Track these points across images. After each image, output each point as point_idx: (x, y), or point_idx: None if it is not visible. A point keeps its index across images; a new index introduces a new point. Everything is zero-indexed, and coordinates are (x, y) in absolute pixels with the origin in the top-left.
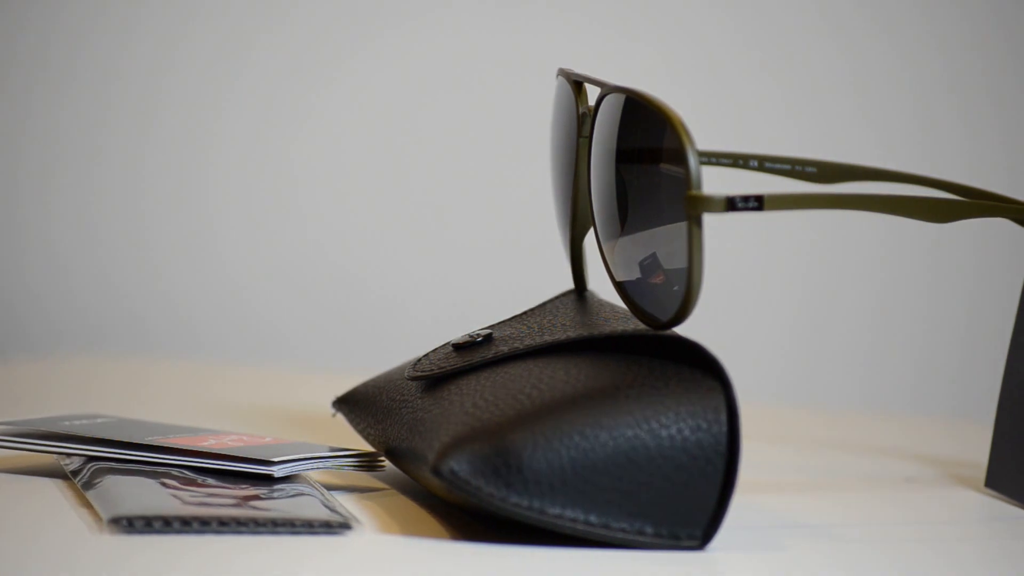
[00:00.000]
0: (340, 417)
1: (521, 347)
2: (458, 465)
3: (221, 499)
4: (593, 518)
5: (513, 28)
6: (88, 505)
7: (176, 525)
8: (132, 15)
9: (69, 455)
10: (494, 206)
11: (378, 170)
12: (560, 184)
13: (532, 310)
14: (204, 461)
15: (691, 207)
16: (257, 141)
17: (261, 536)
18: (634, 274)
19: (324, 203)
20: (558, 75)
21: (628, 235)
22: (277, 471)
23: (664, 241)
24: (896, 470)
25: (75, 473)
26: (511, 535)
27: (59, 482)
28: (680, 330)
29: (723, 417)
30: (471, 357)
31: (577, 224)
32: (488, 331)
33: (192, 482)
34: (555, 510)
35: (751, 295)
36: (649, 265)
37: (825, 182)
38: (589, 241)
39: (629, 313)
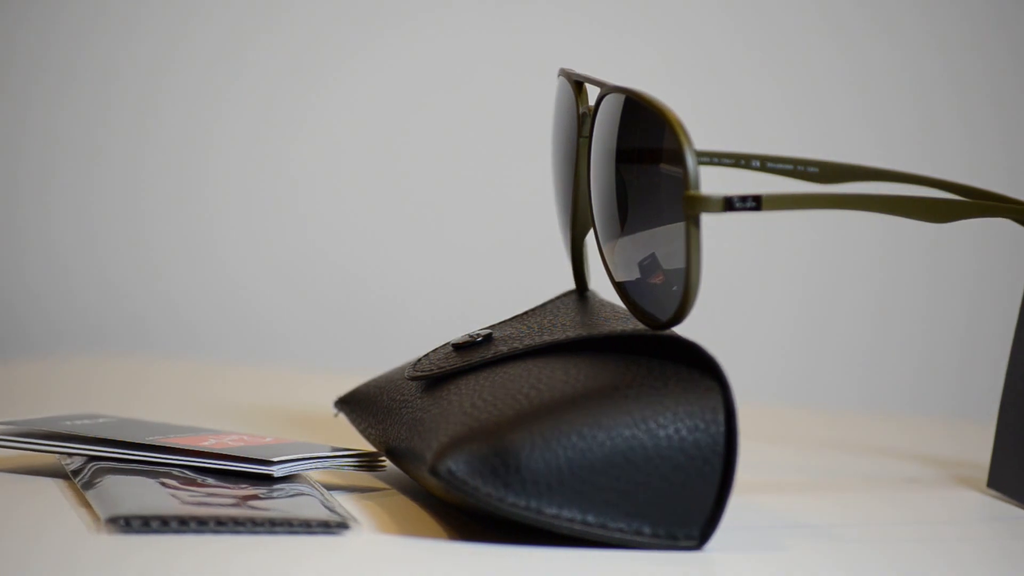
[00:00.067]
0: (342, 417)
1: (520, 347)
2: (456, 465)
3: (220, 499)
4: (591, 518)
5: (513, 28)
6: (88, 505)
7: (174, 525)
8: (132, 15)
9: (70, 455)
10: (494, 206)
11: (378, 170)
12: (561, 184)
13: (532, 310)
14: (204, 461)
15: (689, 207)
16: (257, 141)
17: (259, 536)
18: (633, 274)
19: (324, 203)
20: (559, 75)
21: (627, 235)
22: (277, 471)
23: (663, 241)
24: (896, 470)
25: (76, 473)
26: (509, 535)
27: (60, 482)
28: (680, 330)
29: (721, 417)
30: (470, 357)
31: (577, 224)
32: (488, 331)
33: (192, 482)
34: (552, 510)
35: (751, 295)
36: (648, 265)
37: (827, 182)
38: (590, 241)
39: (629, 313)
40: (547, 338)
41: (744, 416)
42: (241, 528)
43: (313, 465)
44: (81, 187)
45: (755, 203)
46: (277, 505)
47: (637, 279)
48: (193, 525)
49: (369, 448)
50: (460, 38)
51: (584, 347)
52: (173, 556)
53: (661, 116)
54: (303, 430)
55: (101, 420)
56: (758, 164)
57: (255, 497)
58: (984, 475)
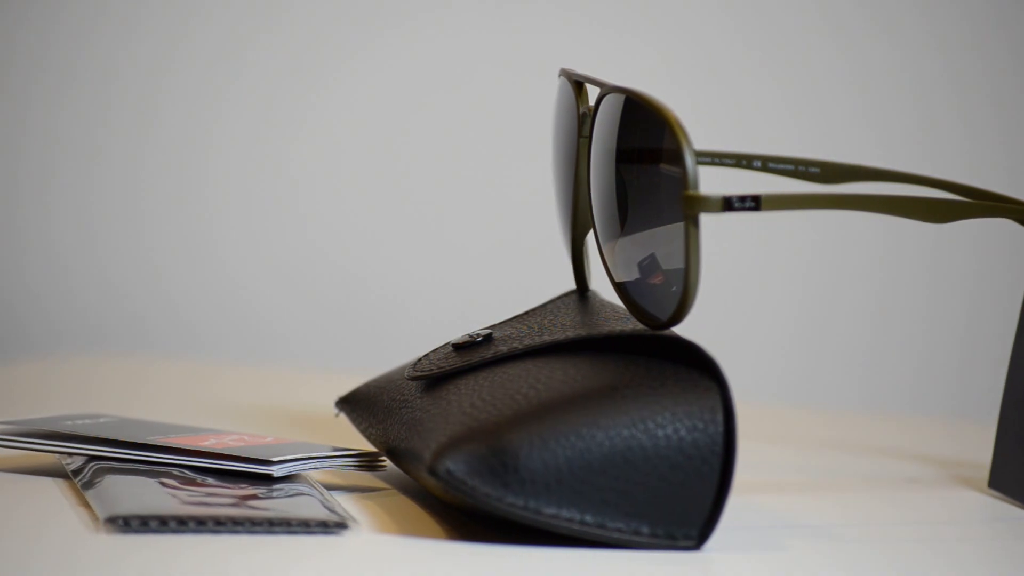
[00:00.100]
0: (342, 417)
1: (520, 347)
2: (454, 465)
3: (219, 499)
4: (589, 518)
5: (513, 28)
6: (87, 505)
7: (172, 524)
8: (132, 15)
9: (71, 455)
10: (494, 206)
11: (378, 170)
12: (561, 184)
13: (533, 310)
14: (204, 461)
15: (688, 207)
16: (257, 141)
17: (259, 536)
18: (633, 274)
19: (324, 203)
20: (559, 75)
21: (627, 235)
22: (276, 471)
23: (662, 241)
24: (896, 470)
25: (76, 472)
26: (508, 535)
27: (60, 481)
28: (680, 330)
29: (719, 417)
30: (470, 357)
31: (578, 224)
32: (488, 331)
33: (192, 482)
34: (551, 510)
35: (751, 295)
36: (648, 266)
37: (829, 182)
38: (591, 241)
39: (629, 314)
40: (547, 338)
41: (744, 416)
42: (239, 528)
43: (313, 465)
44: (81, 187)
45: (754, 203)
46: (276, 505)
47: (637, 279)
48: (192, 525)
49: (370, 448)
50: (460, 38)
51: (583, 347)
52: (172, 556)
53: (660, 116)
54: (303, 430)
55: (102, 420)
56: (759, 164)
57: (254, 497)
58: (984, 475)
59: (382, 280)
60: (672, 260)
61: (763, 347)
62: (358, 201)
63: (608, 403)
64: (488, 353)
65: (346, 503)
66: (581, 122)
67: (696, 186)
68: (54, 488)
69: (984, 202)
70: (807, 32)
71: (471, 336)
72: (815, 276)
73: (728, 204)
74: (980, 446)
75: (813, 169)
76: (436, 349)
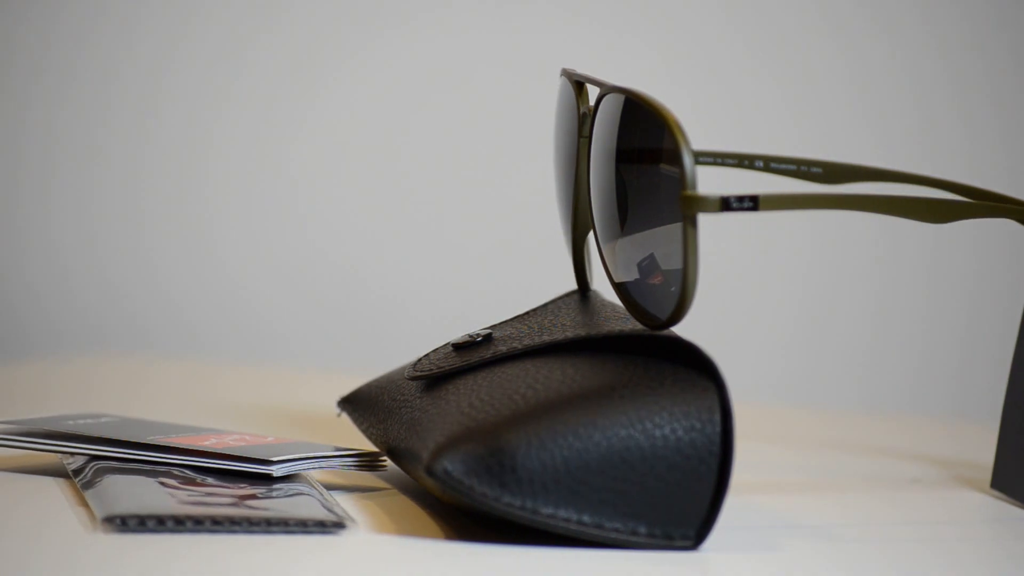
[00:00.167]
0: (344, 417)
1: (519, 347)
2: (452, 465)
3: (218, 498)
4: (586, 518)
5: (513, 28)
6: (87, 504)
7: (170, 524)
8: (132, 15)
9: (72, 454)
10: (494, 206)
11: (378, 170)
12: (562, 184)
13: (534, 310)
14: (204, 460)
15: (686, 207)
16: (257, 141)
17: (258, 536)
18: (632, 275)
19: (324, 203)
20: (561, 75)
21: (627, 236)
22: (276, 470)
23: (662, 241)
24: (896, 470)
25: (77, 472)
26: (506, 535)
27: (60, 481)
28: (681, 330)
29: (717, 417)
30: (470, 357)
31: (578, 224)
32: (488, 331)
33: (191, 481)
34: (548, 510)
35: (751, 295)
36: (647, 266)
37: (831, 183)
38: (591, 241)
39: (629, 314)
40: (546, 338)
41: (744, 416)
42: (237, 528)
43: (313, 465)
44: (81, 187)
45: (752, 203)
46: (275, 505)
47: (636, 279)
48: (189, 524)
49: (371, 448)
50: (460, 38)
51: (582, 347)
52: (172, 556)
53: (659, 116)
54: (304, 430)
55: (104, 420)
56: (761, 164)
57: (253, 497)
58: (985, 475)
59: (382, 280)
60: (671, 260)
61: (763, 347)
62: (358, 201)
63: (606, 403)
64: (487, 353)
65: (346, 503)
66: (581, 122)
67: (694, 186)
68: (55, 488)
69: (985, 202)
70: (807, 32)
71: (471, 336)
72: (815, 276)
73: (726, 204)
74: (980, 446)
75: (815, 169)
76: (436, 349)
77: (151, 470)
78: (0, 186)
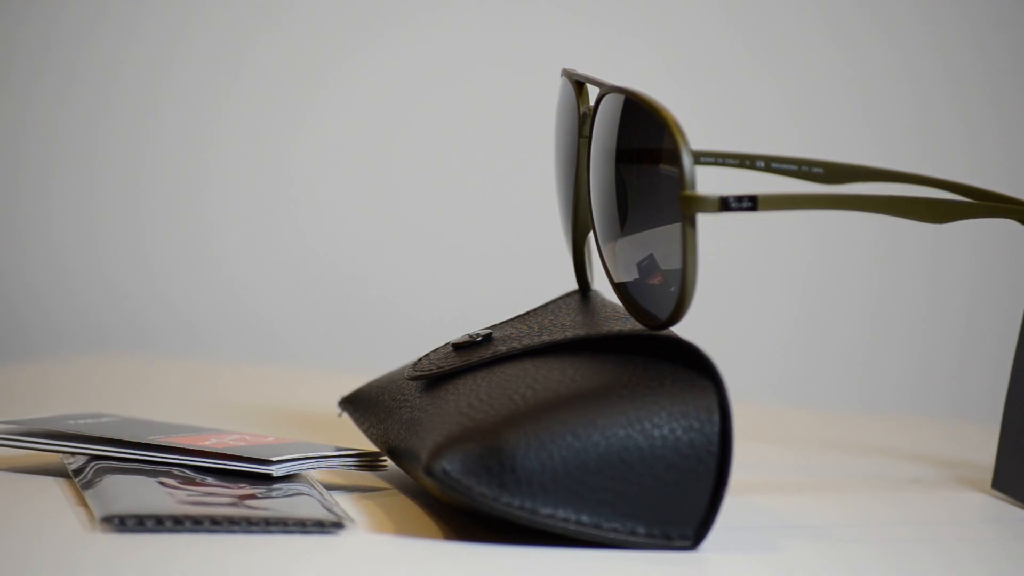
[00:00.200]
0: (345, 417)
1: (519, 347)
2: (450, 465)
3: (217, 498)
4: (585, 518)
5: (513, 28)
6: (86, 504)
7: (168, 524)
8: (132, 15)
9: (73, 454)
10: (494, 206)
11: (378, 170)
12: (563, 184)
13: (534, 310)
14: (204, 460)
15: (684, 207)
16: (257, 141)
17: (258, 536)
18: (632, 275)
19: (324, 203)
20: (561, 75)
21: (627, 236)
22: (276, 470)
23: (661, 242)
24: (896, 470)
25: (78, 472)
26: (504, 535)
27: (61, 481)
28: (681, 330)
29: (715, 417)
30: (469, 357)
31: (579, 224)
32: (488, 331)
33: (191, 481)
34: (547, 510)
35: (752, 295)
36: (647, 266)
37: (832, 183)
38: (592, 241)
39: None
40: (546, 338)
41: (744, 416)
42: (236, 528)
43: (312, 465)
44: (81, 187)
45: (751, 203)
46: (273, 505)
47: (636, 280)
48: (188, 524)
49: (372, 448)
50: (460, 38)
51: (582, 347)
52: (171, 556)
53: (658, 116)
54: (304, 430)
55: (105, 419)
56: (763, 165)
57: (252, 497)
58: (985, 475)
59: (382, 280)
60: (670, 260)
61: (763, 347)
62: (358, 201)
63: (605, 403)
64: (487, 353)
65: (346, 503)
66: (581, 122)
67: (693, 186)
68: (55, 488)
69: (985, 202)
70: (807, 32)
71: (471, 336)
72: (815, 276)
73: (725, 204)
74: (980, 446)
75: (816, 169)
76: (436, 349)
77: (151, 470)
78: (0, 186)
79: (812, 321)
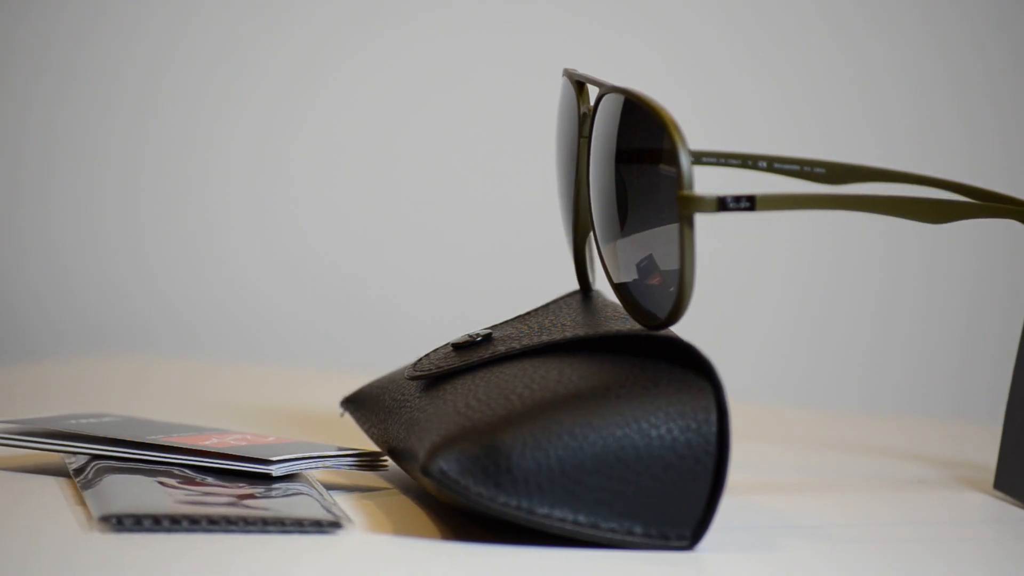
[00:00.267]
0: (346, 417)
1: (518, 347)
2: (447, 464)
3: (216, 498)
4: (582, 518)
5: (513, 28)
6: (85, 503)
7: (166, 523)
8: (132, 15)
9: (74, 453)
10: (494, 206)
11: (378, 170)
12: (563, 184)
13: (534, 310)
14: (203, 460)
15: (683, 207)
16: (257, 141)
17: (257, 536)
18: (632, 275)
19: (324, 203)
20: (563, 75)
21: (626, 236)
22: (275, 470)
23: (660, 242)
24: (896, 470)
25: (78, 471)
26: (502, 535)
27: (61, 480)
28: (681, 330)
29: (713, 417)
30: (469, 357)
31: (579, 224)
32: (488, 331)
33: (191, 481)
34: (544, 510)
35: (752, 295)
36: (646, 266)
37: (834, 183)
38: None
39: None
40: (545, 338)
41: (744, 416)
42: (234, 527)
43: (312, 465)
44: (81, 187)
45: (749, 203)
46: (272, 504)
47: (635, 280)
48: (185, 524)
49: (372, 448)
50: (460, 38)
51: (581, 347)
52: (171, 556)
53: (656, 116)
54: (304, 430)
55: (106, 419)
56: (765, 165)
57: (251, 496)
58: (985, 475)
59: (382, 280)
60: (669, 260)
61: (763, 347)
62: (358, 201)
63: (602, 403)
64: (486, 353)
65: (345, 503)
66: (581, 122)
67: (691, 186)
68: (55, 487)
69: (986, 202)
70: (807, 32)
71: (471, 336)
72: (815, 276)
73: (723, 204)
74: (981, 446)
75: (818, 169)
76: (436, 349)
77: (151, 469)
78: (0, 186)
79: (812, 321)
